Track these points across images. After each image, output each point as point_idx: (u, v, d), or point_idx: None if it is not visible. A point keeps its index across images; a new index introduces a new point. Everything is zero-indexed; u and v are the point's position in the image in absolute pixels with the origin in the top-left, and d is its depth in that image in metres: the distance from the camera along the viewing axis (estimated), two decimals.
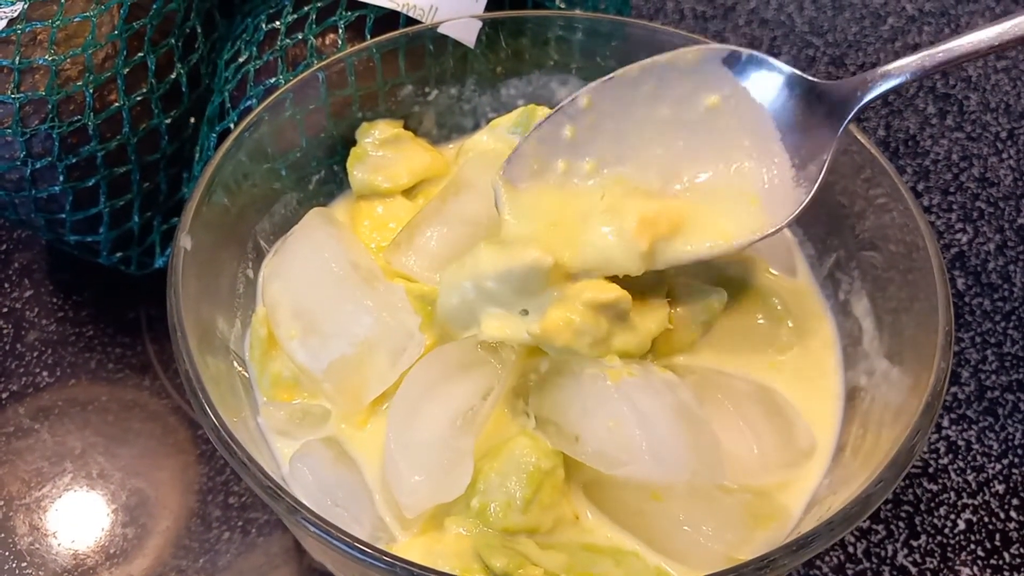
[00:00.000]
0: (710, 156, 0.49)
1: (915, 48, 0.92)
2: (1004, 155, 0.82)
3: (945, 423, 0.63)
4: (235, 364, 0.51)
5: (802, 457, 0.48)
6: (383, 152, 0.59)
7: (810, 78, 0.49)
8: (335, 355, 0.49)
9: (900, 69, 0.47)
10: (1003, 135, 0.84)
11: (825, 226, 0.57)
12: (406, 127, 0.62)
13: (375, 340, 0.48)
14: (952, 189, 0.79)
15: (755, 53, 0.50)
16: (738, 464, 0.45)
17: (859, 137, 0.54)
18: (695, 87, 0.50)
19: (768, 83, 0.50)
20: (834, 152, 0.47)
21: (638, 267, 0.46)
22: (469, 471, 0.43)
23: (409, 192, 0.59)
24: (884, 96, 0.47)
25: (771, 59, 0.49)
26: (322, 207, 0.59)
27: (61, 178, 0.59)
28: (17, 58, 0.57)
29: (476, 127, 0.65)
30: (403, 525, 0.45)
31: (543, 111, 0.58)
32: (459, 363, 0.46)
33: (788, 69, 0.49)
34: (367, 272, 0.51)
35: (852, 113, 0.47)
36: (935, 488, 0.60)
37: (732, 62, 0.50)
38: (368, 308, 0.49)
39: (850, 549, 0.57)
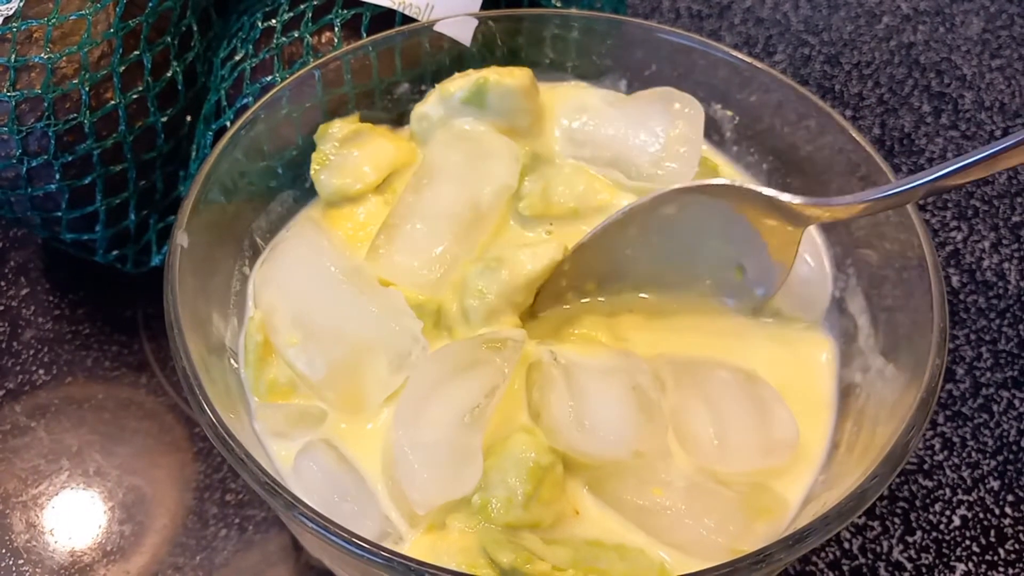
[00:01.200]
0: (690, 255, 0.52)
1: (909, 47, 0.92)
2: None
3: (940, 420, 0.64)
4: (231, 361, 0.51)
5: (781, 447, 0.47)
6: (345, 151, 0.57)
7: (781, 200, 0.49)
8: (337, 362, 0.48)
9: (856, 200, 0.47)
10: (998, 134, 0.84)
11: (821, 224, 0.57)
12: (401, 125, 0.62)
13: (378, 345, 0.48)
14: None
15: (729, 184, 0.50)
16: (699, 450, 0.47)
17: (855, 135, 0.54)
18: (674, 217, 0.52)
19: (741, 201, 0.51)
20: (798, 249, 0.50)
21: None
22: (479, 468, 0.44)
23: (381, 188, 0.57)
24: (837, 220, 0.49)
25: (740, 184, 0.51)
26: (312, 216, 0.58)
27: (57, 176, 0.59)
28: (13, 56, 0.57)
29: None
30: (410, 522, 0.45)
31: (496, 76, 0.56)
32: (464, 362, 0.46)
33: (757, 190, 0.50)
34: (363, 278, 0.51)
35: (808, 225, 0.49)
36: (930, 484, 0.60)
37: (709, 190, 0.51)
38: (371, 313, 0.49)
39: (846, 545, 0.57)
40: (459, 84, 0.57)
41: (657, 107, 0.57)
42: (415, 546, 0.44)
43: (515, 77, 0.56)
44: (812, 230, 0.57)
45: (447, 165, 0.54)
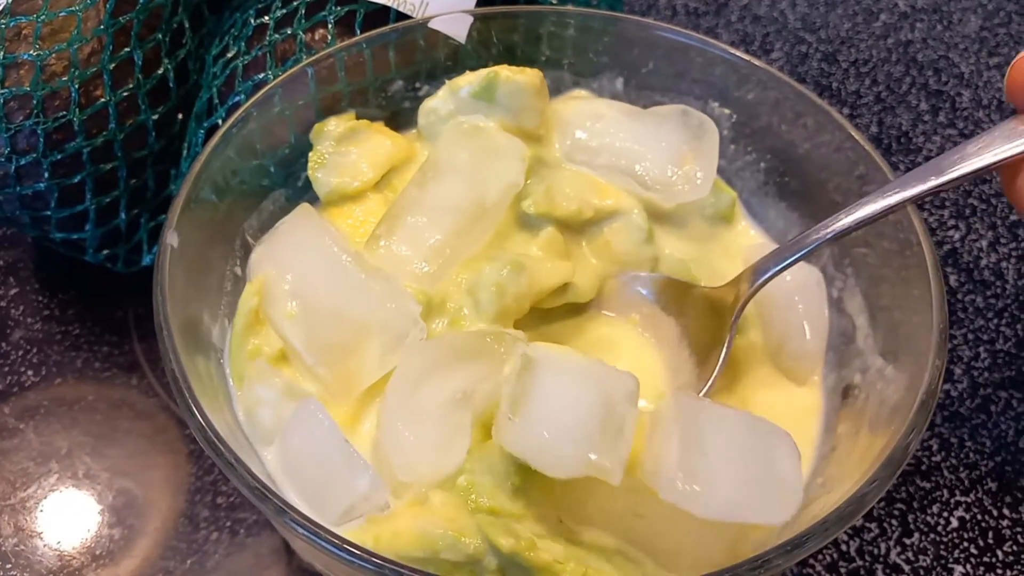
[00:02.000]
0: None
1: (907, 45, 0.92)
2: None
3: (938, 420, 0.63)
4: (222, 363, 0.50)
5: (774, 510, 0.42)
6: (343, 150, 0.56)
7: (697, 288, 0.54)
8: (332, 339, 0.48)
9: (766, 264, 0.51)
10: None
11: (818, 223, 0.57)
12: (396, 123, 0.61)
13: (375, 325, 0.48)
14: None
15: (653, 276, 0.55)
16: (666, 488, 0.42)
17: (852, 133, 0.54)
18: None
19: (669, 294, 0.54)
20: (728, 345, 0.51)
21: None
22: (466, 444, 0.43)
23: (380, 186, 0.57)
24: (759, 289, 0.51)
25: (668, 277, 0.54)
26: (311, 204, 0.58)
27: (46, 175, 0.58)
28: (1, 53, 0.57)
29: None
30: (395, 493, 0.44)
31: (507, 72, 0.56)
32: (465, 349, 0.46)
33: (679, 282, 0.54)
34: (364, 261, 0.50)
35: (737, 311, 0.51)
36: (928, 486, 0.60)
37: (638, 282, 0.55)
38: (372, 292, 0.48)
39: (843, 547, 0.57)
40: (468, 79, 0.56)
41: (674, 122, 0.57)
42: (399, 517, 0.43)
43: (526, 75, 0.56)
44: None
45: (453, 161, 0.53)
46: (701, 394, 0.50)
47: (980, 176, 0.49)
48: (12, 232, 0.71)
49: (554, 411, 0.41)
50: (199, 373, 0.45)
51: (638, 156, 0.56)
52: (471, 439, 0.44)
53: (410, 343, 0.47)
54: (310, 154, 0.57)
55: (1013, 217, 0.76)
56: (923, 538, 0.58)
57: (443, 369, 0.45)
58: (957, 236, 0.75)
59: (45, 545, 0.55)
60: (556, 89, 0.64)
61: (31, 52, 0.57)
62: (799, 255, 0.49)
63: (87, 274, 0.67)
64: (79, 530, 0.56)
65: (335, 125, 0.57)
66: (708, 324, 0.52)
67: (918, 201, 0.47)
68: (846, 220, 0.48)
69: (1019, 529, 0.58)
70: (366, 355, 0.48)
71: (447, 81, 0.58)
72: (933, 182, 0.46)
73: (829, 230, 0.48)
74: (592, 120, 0.58)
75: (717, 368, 0.50)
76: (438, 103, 0.57)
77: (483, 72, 0.56)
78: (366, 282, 0.49)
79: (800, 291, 0.54)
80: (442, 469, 0.43)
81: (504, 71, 0.56)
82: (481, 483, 0.43)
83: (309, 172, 0.56)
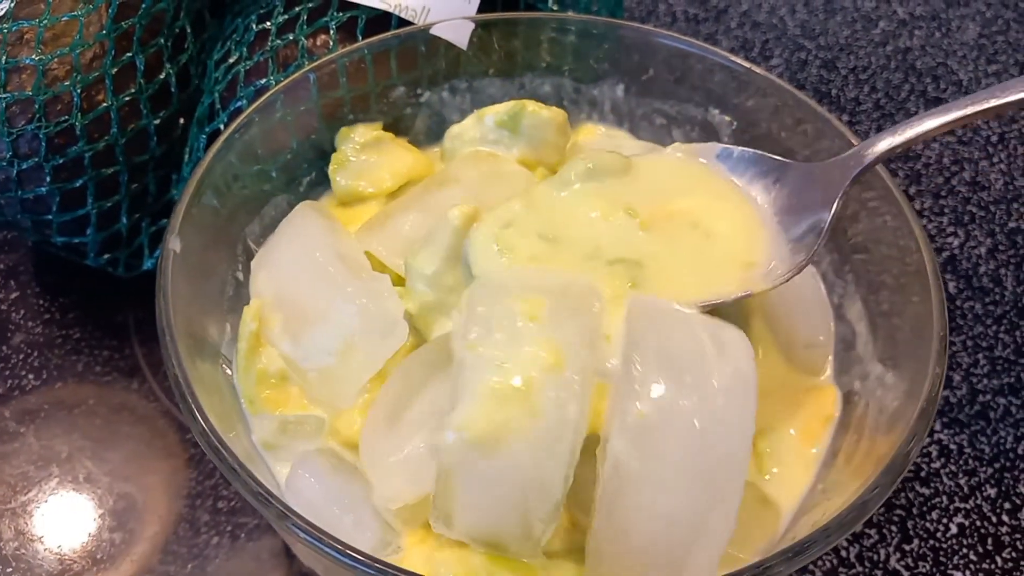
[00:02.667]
0: (701, 233, 0.49)
1: (906, 52, 0.92)
2: (995, 159, 0.82)
3: (937, 427, 0.63)
4: (224, 368, 0.50)
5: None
6: (365, 156, 0.58)
7: (800, 164, 0.51)
8: (317, 342, 0.48)
9: (889, 139, 0.48)
10: (994, 139, 0.84)
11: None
12: (398, 129, 0.61)
13: (357, 328, 0.48)
14: (943, 193, 0.79)
15: (746, 150, 0.52)
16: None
17: (852, 140, 0.54)
18: (682, 182, 0.51)
19: (761, 172, 0.51)
20: (830, 224, 0.48)
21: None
22: None
23: (394, 195, 0.58)
24: (872, 167, 0.49)
25: (759, 153, 0.52)
26: (313, 200, 0.58)
27: (48, 179, 0.58)
28: (3, 57, 0.57)
29: None
30: (404, 521, 0.44)
31: (534, 106, 0.57)
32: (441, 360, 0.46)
33: (777, 160, 0.51)
34: (353, 262, 0.50)
35: (842, 190, 0.48)
36: (927, 492, 0.60)
37: (724, 157, 0.52)
38: (349, 295, 0.48)
39: (843, 553, 0.57)
40: (496, 108, 0.58)
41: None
42: (411, 557, 0.43)
43: (551, 111, 0.57)
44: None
45: (462, 176, 0.54)
46: (790, 272, 0.47)
47: None
48: (12, 236, 0.71)
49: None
50: (201, 377, 0.45)
51: None
52: None
53: (391, 345, 0.47)
54: (333, 155, 0.58)
55: (1012, 224, 0.77)
56: (922, 544, 0.58)
57: (429, 385, 0.45)
58: (956, 243, 0.75)
59: (46, 549, 0.55)
60: (558, 97, 0.64)
61: (33, 57, 0.57)
62: (919, 131, 0.47)
63: (88, 278, 0.67)
64: (79, 534, 0.56)
65: (361, 133, 0.58)
66: (806, 200, 0.49)
67: None
68: (972, 106, 0.46)
69: (1018, 535, 0.58)
70: (354, 356, 0.48)
71: (475, 110, 0.60)
72: None
73: (956, 111, 0.46)
74: None
75: (819, 242, 0.47)
76: (463, 129, 0.59)
77: (511, 103, 0.58)
78: (348, 285, 0.49)
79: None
80: (419, 490, 0.43)
81: (531, 105, 0.57)
82: None
83: (329, 171, 0.58)
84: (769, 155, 0.51)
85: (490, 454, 0.38)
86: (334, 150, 0.59)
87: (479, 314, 0.42)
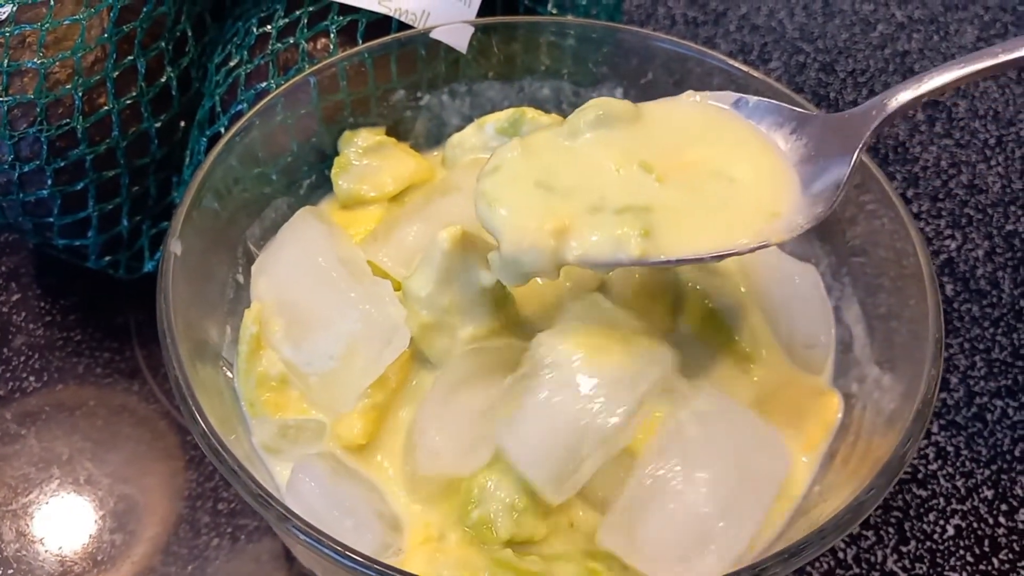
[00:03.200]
0: (723, 180, 0.48)
1: (904, 56, 0.92)
2: (992, 162, 0.82)
3: (934, 429, 0.64)
4: (225, 370, 0.50)
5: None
6: (367, 161, 0.58)
7: (819, 114, 0.50)
8: (319, 347, 0.49)
9: (908, 91, 0.47)
10: (991, 142, 0.84)
11: (816, 232, 0.57)
12: (398, 132, 0.62)
13: (359, 333, 0.48)
14: (941, 196, 0.79)
15: (763, 99, 0.50)
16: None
17: None
18: (700, 128, 0.50)
19: (778, 122, 0.50)
20: (850, 175, 0.46)
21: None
22: (487, 454, 0.45)
23: (396, 199, 0.59)
24: (892, 120, 0.48)
25: (777, 102, 0.50)
26: (313, 206, 0.58)
27: (49, 182, 0.58)
28: (5, 61, 0.57)
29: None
30: (421, 499, 0.46)
31: (534, 113, 0.58)
32: (498, 363, 0.47)
33: (796, 110, 0.49)
34: (355, 267, 0.51)
35: (863, 140, 0.47)
36: (924, 494, 0.60)
37: (740, 106, 0.51)
38: (352, 300, 0.49)
39: (840, 555, 0.57)
40: (496, 116, 0.58)
41: None
42: (412, 559, 0.44)
43: (550, 118, 0.58)
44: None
45: (463, 184, 0.55)
46: (808, 223, 0.45)
47: None
48: (14, 238, 0.72)
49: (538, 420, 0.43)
50: (201, 379, 0.45)
51: None
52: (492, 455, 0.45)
53: (392, 351, 0.48)
54: (336, 158, 0.59)
55: (1009, 227, 0.77)
56: (919, 546, 0.58)
57: (482, 379, 0.47)
58: (953, 246, 0.75)
59: (46, 550, 0.56)
60: (557, 100, 0.64)
61: (35, 60, 0.57)
62: (937, 83, 0.46)
63: (88, 280, 0.67)
64: (80, 535, 0.56)
65: (364, 137, 0.59)
66: (825, 151, 0.48)
67: None
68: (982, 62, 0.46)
69: (1015, 537, 0.59)
70: (355, 361, 0.48)
71: (475, 119, 0.60)
72: None
73: (973, 65, 0.46)
74: None
75: (839, 194, 0.45)
76: (464, 137, 0.59)
77: (510, 111, 0.58)
78: (351, 290, 0.49)
79: (796, 280, 0.55)
80: (462, 467, 0.45)
81: (530, 112, 0.58)
82: (492, 513, 0.43)
83: (332, 175, 0.58)
84: (787, 105, 0.50)
85: (591, 364, 0.43)
86: (335, 153, 0.60)
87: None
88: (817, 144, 0.48)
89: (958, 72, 0.46)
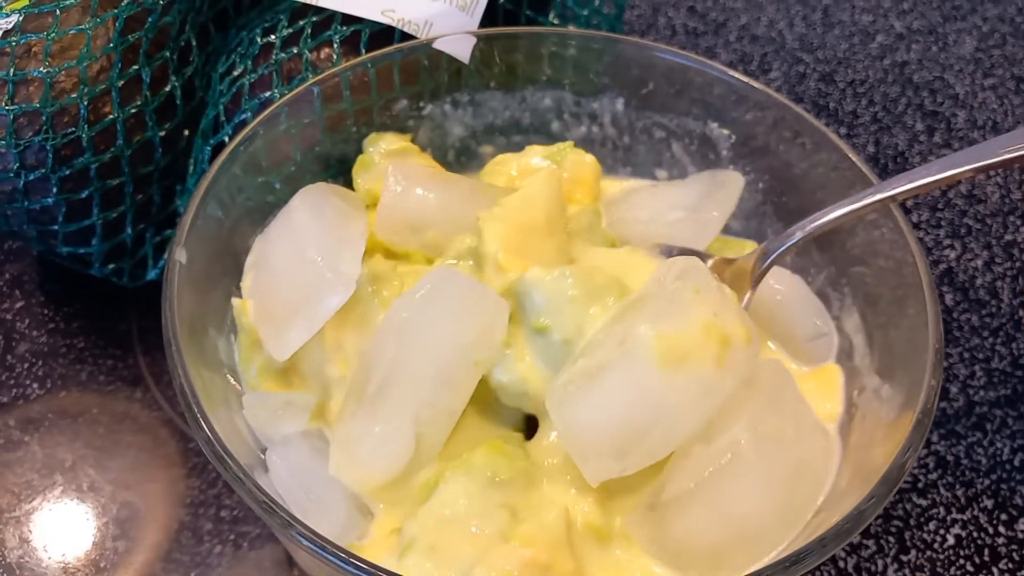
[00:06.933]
0: None
1: (903, 66, 0.93)
2: (991, 172, 0.83)
3: (934, 438, 0.64)
4: (229, 378, 0.51)
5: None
6: (388, 162, 0.59)
7: (722, 259, 0.55)
8: (268, 288, 0.50)
9: (782, 240, 0.53)
10: None
11: (815, 242, 0.57)
12: None
13: (306, 282, 0.49)
14: (940, 206, 0.80)
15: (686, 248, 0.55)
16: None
17: (849, 153, 0.55)
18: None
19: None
20: (748, 303, 0.53)
21: None
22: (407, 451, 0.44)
23: None
24: (778, 260, 0.53)
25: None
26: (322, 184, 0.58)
27: (54, 190, 0.59)
28: (11, 70, 0.57)
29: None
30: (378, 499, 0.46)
31: (577, 150, 0.60)
32: None
33: (705, 254, 0.55)
34: (345, 241, 0.51)
35: (757, 279, 0.53)
36: (925, 503, 0.61)
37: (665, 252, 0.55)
38: (309, 258, 0.50)
39: (841, 564, 0.57)
40: (543, 148, 0.60)
41: (703, 179, 0.60)
42: (377, 545, 0.44)
43: (591, 156, 0.60)
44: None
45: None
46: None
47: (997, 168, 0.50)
48: (17, 245, 0.72)
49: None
50: (205, 387, 0.46)
51: (664, 207, 0.59)
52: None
53: (335, 303, 0.48)
54: (359, 156, 0.60)
55: (1008, 237, 0.77)
56: (920, 555, 0.58)
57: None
58: (953, 255, 0.76)
59: (49, 557, 0.56)
60: (558, 110, 0.65)
61: (41, 69, 0.58)
62: (806, 233, 0.52)
63: (92, 288, 0.67)
64: (83, 542, 0.56)
65: (389, 140, 0.60)
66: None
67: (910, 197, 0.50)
68: (833, 213, 0.50)
69: (1015, 547, 0.59)
70: (299, 315, 0.49)
71: (479, 138, 0.63)
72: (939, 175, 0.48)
73: (823, 218, 0.51)
74: (630, 192, 0.62)
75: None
76: (508, 158, 0.61)
77: (556, 146, 0.60)
78: (315, 252, 0.50)
79: (776, 285, 0.57)
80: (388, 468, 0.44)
81: (573, 148, 0.60)
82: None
83: (353, 172, 0.59)
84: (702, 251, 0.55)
85: (668, 369, 0.42)
86: (339, 161, 0.60)
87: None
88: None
89: (838, 212, 0.51)
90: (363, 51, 0.61)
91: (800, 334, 0.55)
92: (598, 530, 0.44)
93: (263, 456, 0.49)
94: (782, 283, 0.57)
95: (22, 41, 0.58)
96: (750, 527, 0.43)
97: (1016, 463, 0.63)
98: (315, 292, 0.48)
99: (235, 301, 0.52)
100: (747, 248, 0.59)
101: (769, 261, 0.53)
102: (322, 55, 0.61)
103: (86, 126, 0.58)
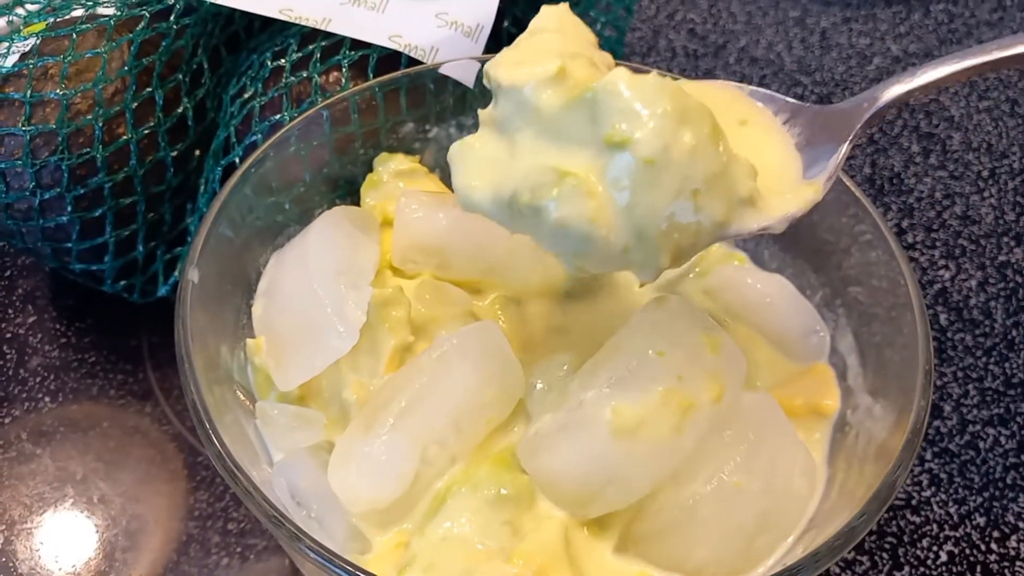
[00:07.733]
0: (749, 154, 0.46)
1: None
2: (986, 193, 0.84)
3: (928, 456, 0.65)
4: (238, 393, 0.52)
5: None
6: (396, 181, 0.60)
7: (811, 105, 0.50)
8: (276, 320, 0.52)
9: (900, 85, 0.49)
10: (984, 174, 0.86)
11: (811, 263, 0.59)
12: None
13: (312, 323, 0.50)
14: (935, 226, 0.81)
15: (757, 88, 0.51)
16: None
17: (841, 177, 0.56)
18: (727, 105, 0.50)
19: (773, 111, 0.50)
20: (839, 165, 0.47)
21: None
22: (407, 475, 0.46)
23: None
24: (884, 113, 0.49)
25: (773, 92, 0.51)
26: (342, 207, 0.59)
27: (69, 208, 0.60)
28: (29, 92, 0.59)
29: None
30: (374, 524, 0.47)
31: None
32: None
33: (789, 101, 0.50)
34: (345, 277, 0.52)
35: (854, 131, 0.48)
36: (918, 520, 0.62)
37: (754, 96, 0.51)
38: (318, 300, 0.51)
39: None
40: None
41: None
42: (382, 560, 0.45)
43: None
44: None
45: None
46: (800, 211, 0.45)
47: None
48: (31, 261, 0.74)
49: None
50: (216, 403, 0.47)
51: None
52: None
53: (333, 353, 0.49)
54: (369, 175, 0.61)
55: (1002, 257, 0.79)
56: (913, 571, 0.59)
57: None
58: (947, 276, 0.77)
59: (60, 568, 0.57)
60: None
61: (57, 91, 0.59)
62: (930, 78, 0.47)
63: (103, 304, 0.69)
64: (93, 553, 0.57)
65: (399, 160, 0.61)
66: (818, 140, 0.48)
67: None
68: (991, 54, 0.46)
69: (1006, 564, 0.60)
70: (301, 355, 0.50)
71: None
72: None
73: (966, 61, 0.47)
74: None
75: (829, 183, 0.46)
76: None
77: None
78: (320, 292, 0.51)
79: (769, 286, 0.58)
80: (385, 492, 0.46)
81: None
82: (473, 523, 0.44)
83: (361, 189, 0.61)
84: (780, 95, 0.50)
85: (621, 439, 0.43)
86: (347, 182, 0.61)
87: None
88: (809, 134, 0.48)
89: (952, 67, 0.46)
90: (371, 75, 0.62)
91: (793, 333, 0.56)
92: (596, 542, 0.45)
93: (270, 470, 0.50)
94: (769, 286, 0.58)
95: (39, 64, 0.60)
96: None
97: (1008, 481, 0.64)
98: (320, 336, 0.50)
99: (249, 342, 0.53)
100: (736, 259, 0.60)
101: (880, 105, 0.48)
102: (331, 79, 0.63)
103: (101, 146, 0.60)
